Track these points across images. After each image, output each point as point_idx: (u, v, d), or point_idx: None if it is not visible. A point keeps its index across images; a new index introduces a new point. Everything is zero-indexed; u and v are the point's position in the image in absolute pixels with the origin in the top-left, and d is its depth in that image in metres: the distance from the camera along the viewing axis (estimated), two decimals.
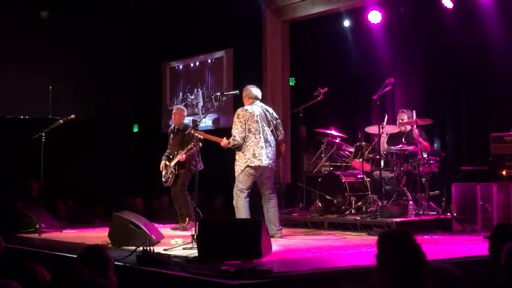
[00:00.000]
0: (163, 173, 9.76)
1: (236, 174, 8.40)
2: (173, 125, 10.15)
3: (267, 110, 8.62)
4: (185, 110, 10.34)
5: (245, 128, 8.31)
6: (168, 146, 10.02)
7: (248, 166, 8.28)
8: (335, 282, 5.42)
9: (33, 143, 9.48)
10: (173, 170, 9.64)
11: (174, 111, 10.23)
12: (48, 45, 14.28)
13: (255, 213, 8.46)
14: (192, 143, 9.08)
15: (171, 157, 9.76)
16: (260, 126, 8.37)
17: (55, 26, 14.31)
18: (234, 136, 8.31)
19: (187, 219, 9.50)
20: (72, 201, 13.10)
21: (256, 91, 8.66)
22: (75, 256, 4.71)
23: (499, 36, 9.94)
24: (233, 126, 8.40)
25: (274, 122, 8.59)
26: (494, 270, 3.99)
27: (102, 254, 4.43)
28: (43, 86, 14.22)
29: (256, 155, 8.27)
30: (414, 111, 9.61)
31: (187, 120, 10.16)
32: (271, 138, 8.46)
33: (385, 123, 9.58)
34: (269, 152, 8.39)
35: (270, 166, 8.40)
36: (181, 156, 9.53)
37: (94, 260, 4.30)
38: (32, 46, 14.18)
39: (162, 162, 9.82)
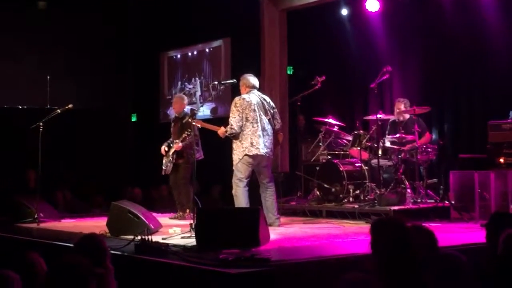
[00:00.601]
0: (164, 161, 9.75)
1: (234, 163, 8.40)
2: (174, 114, 10.16)
3: (264, 99, 8.61)
4: (185, 98, 10.29)
5: (243, 117, 8.30)
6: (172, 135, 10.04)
7: (246, 155, 8.28)
8: (334, 270, 5.44)
9: (31, 133, 9.47)
10: (171, 158, 9.63)
11: (174, 99, 10.23)
12: (46, 36, 14.24)
13: (253, 202, 8.47)
14: (186, 132, 9.09)
15: (171, 145, 9.76)
16: (258, 115, 8.36)
17: (53, 16, 14.27)
18: (231, 125, 8.31)
19: (188, 210, 9.49)
20: (70, 191, 13.10)
21: (253, 80, 8.65)
22: (72, 245, 4.70)
23: (498, 24, 9.93)
24: (231, 114, 8.39)
25: (271, 111, 8.59)
26: (491, 258, 4.00)
27: (98, 243, 4.44)
28: (41, 76, 14.18)
29: (253, 144, 8.27)
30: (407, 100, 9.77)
31: (186, 109, 10.16)
32: (268, 127, 8.46)
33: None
34: (267, 141, 8.39)
35: (267, 155, 8.41)
36: (177, 145, 9.53)
37: (91, 249, 4.30)
38: (30, 37, 14.13)
39: (162, 147, 9.81)
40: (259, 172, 8.53)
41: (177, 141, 9.54)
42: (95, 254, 4.23)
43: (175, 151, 9.58)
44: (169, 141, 9.87)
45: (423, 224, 4.55)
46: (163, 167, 9.75)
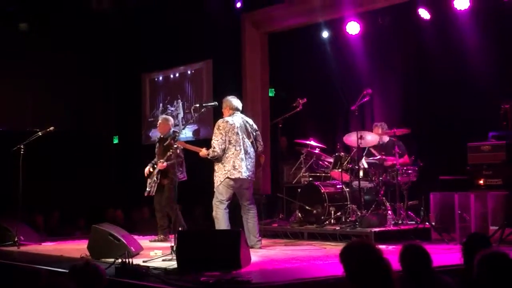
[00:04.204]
0: (148, 182, 9.73)
1: (216, 185, 8.40)
2: (159, 135, 10.18)
3: (247, 121, 8.63)
4: (171, 119, 10.24)
5: (225, 139, 8.31)
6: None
7: (227, 177, 8.29)
8: None
9: (12, 155, 9.43)
10: (155, 179, 9.63)
11: (159, 121, 10.23)
12: (27, 58, 14.21)
13: (234, 224, 8.48)
14: (170, 150, 9.14)
15: (155, 166, 9.76)
16: (241, 138, 8.38)
17: (34, 38, 14.25)
18: (214, 148, 8.31)
19: (180, 229, 9.45)
20: (52, 214, 13.02)
21: (236, 102, 8.66)
22: (67, 270, 4.54)
23: (475, 46, 10.05)
24: (213, 137, 8.40)
25: (254, 134, 8.61)
26: (467, 279, 4.04)
27: (95, 274, 4.32)
28: (22, 98, 14.15)
29: (236, 167, 8.28)
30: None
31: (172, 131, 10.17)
32: (251, 149, 8.48)
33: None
34: (249, 164, 8.40)
35: (249, 178, 8.42)
36: (161, 164, 9.54)
37: (87, 278, 4.23)
38: (11, 59, 14.10)
39: (147, 168, 9.80)
40: (240, 195, 8.54)
41: (161, 160, 9.55)
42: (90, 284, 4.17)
43: (159, 171, 9.59)
44: (153, 162, 9.88)
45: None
46: (147, 189, 9.72)
